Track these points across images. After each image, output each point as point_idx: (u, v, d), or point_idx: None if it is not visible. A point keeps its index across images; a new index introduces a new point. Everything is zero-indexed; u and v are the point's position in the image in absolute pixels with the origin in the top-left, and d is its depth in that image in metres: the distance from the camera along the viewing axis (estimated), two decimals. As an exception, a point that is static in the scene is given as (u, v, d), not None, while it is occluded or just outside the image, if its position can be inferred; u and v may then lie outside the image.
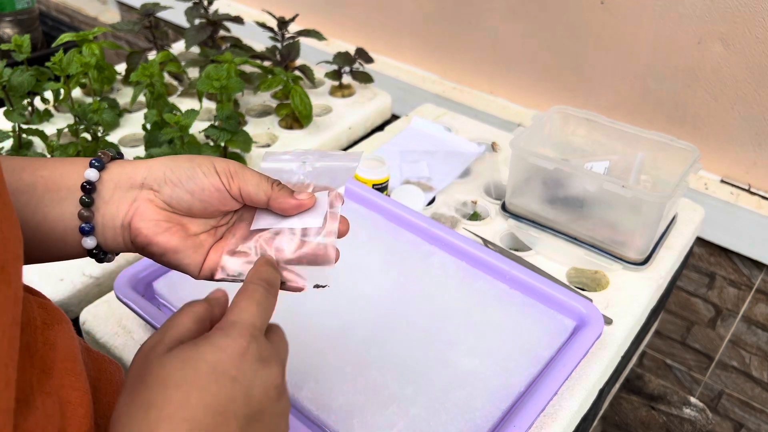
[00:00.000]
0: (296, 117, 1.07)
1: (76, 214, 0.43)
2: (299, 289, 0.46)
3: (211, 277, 0.46)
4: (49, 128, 1.03)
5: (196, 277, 0.46)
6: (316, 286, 0.46)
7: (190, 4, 1.14)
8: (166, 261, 0.45)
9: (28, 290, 0.41)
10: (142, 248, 0.45)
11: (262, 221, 0.47)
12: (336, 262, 0.46)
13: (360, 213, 0.81)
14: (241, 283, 0.43)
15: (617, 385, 1.06)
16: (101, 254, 0.45)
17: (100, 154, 0.44)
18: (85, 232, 0.43)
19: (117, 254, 0.47)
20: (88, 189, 0.43)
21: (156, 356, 0.37)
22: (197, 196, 0.44)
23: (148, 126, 0.95)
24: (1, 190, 0.30)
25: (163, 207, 0.44)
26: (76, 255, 0.45)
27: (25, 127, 0.93)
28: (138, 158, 0.91)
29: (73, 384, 0.37)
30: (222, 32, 1.21)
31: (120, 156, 0.46)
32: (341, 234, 0.46)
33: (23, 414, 0.32)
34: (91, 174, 0.43)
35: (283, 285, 0.46)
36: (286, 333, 0.44)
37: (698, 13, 1.03)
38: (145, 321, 0.63)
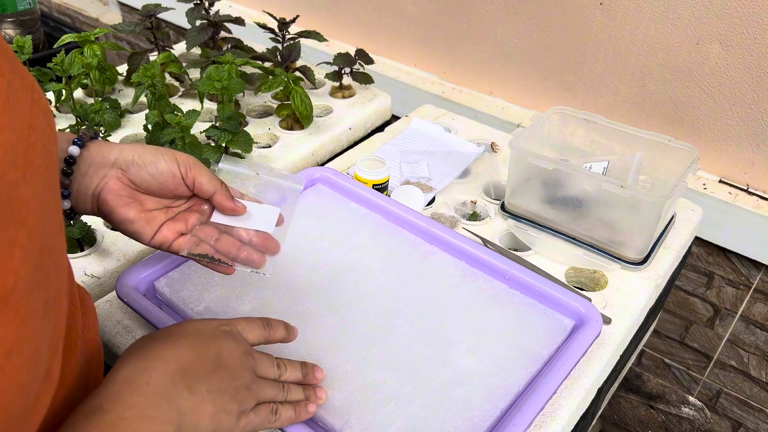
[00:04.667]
0: (297, 118, 1.07)
1: None
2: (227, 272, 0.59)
3: (159, 247, 0.57)
4: (51, 129, 1.04)
5: (147, 243, 0.57)
6: (254, 271, 0.59)
7: (191, 5, 1.14)
8: (122, 228, 0.56)
9: None
10: (105, 215, 0.55)
11: (220, 216, 0.59)
12: (261, 267, 0.58)
13: (360, 213, 0.81)
14: (200, 261, 0.57)
15: (616, 384, 1.06)
16: (72, 215, 0.55)
17: (81, 133, 0.54)
18: (63, 197, 0.53)
19: (82, 215, 0.58)
20: (70, 162, 0.52)
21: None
22: (156, 178, 0.55)
23: (150, 126, 0.95)
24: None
25: (128, 184, 0.55)
26: None
27: (27, 127, 0.94)
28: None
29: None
30: (223, 33, 1.21)
31: (97, 136, 0.56)
32: (270, 251, 0.59)
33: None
34: (74, 150, 0.53)
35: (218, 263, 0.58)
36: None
37: (696, 14, 1.03)
38: (147, 321, 0.64)
